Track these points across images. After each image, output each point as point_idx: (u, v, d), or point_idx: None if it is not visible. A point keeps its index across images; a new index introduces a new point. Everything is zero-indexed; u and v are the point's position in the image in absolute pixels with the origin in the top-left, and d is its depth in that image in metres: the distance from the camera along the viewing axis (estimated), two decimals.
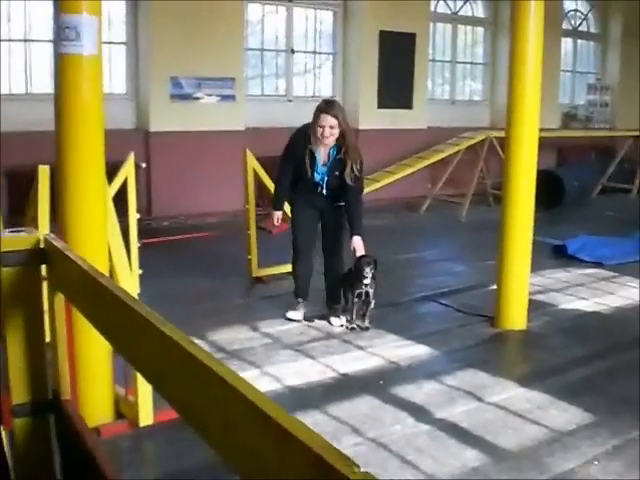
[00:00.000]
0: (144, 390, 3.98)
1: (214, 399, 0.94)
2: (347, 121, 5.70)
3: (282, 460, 0.80)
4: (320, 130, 5.54)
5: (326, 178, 5.76)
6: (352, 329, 5.91)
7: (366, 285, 5.80)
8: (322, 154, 5.72)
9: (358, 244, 5.74)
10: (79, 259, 1.60)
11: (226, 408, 0.92)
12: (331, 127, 5.53)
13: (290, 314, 6.10)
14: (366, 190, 10.82)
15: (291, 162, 5.80)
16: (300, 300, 6.14)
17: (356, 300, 5.88)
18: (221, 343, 5.56)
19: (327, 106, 5.59)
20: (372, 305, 5.93)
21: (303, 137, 5.70)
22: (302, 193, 5.91)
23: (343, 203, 5.81)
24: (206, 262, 8.03)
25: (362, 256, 5.74)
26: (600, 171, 13.93)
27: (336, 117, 5.52)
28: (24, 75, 9.96)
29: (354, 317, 5.93)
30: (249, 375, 4.91)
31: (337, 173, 5.70)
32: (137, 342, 1.26)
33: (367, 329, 5.92)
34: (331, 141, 5.64)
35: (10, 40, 9.78)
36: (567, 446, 4.04)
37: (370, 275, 5.75)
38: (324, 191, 5.80)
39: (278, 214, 6.06)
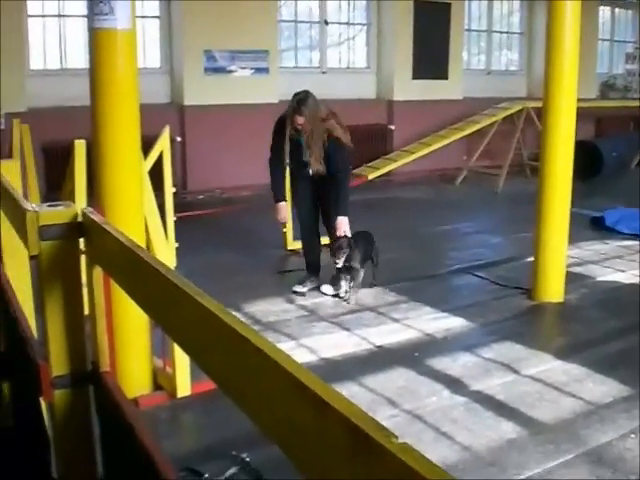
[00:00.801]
0: (181, 362, 4.03)
1: (251, 370, 0.95)
2: (317, 112, 5.81)
3: (319, 430, 0.80)
4: (293, 125, 5.85)
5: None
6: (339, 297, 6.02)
7: (339, 265, 5.85)
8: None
9: (339, 225, 5.86)
10: (117, 232, 1.60)
11: (263, 379, 0.92)
12: (300, 124, 5.79)
13: (296, 287, 6.17)
14: (401, 162, 10.90)
15: (278, 151, 6.01)
16: (309, 276, 6.26)
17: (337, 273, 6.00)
18: (257, 315, 5.59)
19: (296, 106, 5.79)
20: (358, 280, 5.97)
21: (282, 126, 5.95)
22: (296, 170, 6.15)
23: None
24: (241, 235, 8.07)
25: (338, 237, 5.81)
26: (638, 142, 13.69)
27: (303, 115, 5.75)
28: (59, 50, 10.03)
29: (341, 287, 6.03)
30: (285, 347, 4.93)
31: None
32: (174, 314, 1.27)
33: (346, 301, 5.97)
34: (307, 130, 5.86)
35: (44, 16, 9.84)
36: (604, 419, 4.01)
37: (342, 259, 5.78)
38: (310, 171, 5.98)
39: (282, 206, 6.17)
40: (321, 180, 5.97)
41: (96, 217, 1.75)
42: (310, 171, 5.96)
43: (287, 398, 0.86)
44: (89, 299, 1.96)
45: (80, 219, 1.82)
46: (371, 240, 6.15)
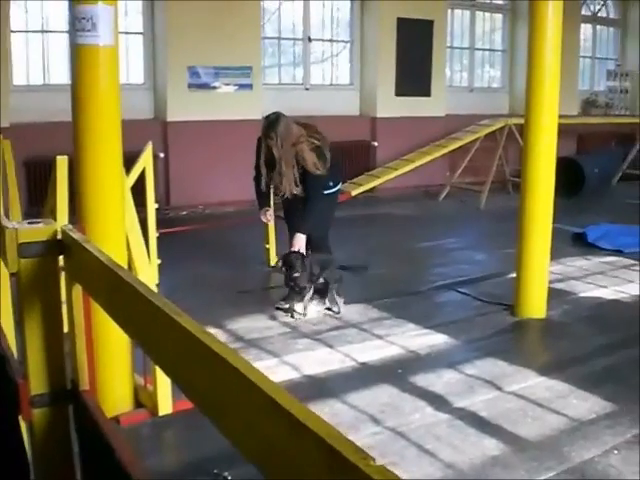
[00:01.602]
0: (163, 379, 4.00)
1: (228, 390, 0.94)
2: (287, 136, 5.75)
3: (296, 451, 0.80)
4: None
5: None
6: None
7: (289, 279, 5.85)
8: None
9: (295, 241, 5.86)
10: (96, 250, 1.60)
11: (240, 398, 0.92)
12: (270, 147, 5.78)
13: (280, 303, 6.15)
14: (384, 178, 10.92)
15: (260, 168, 5.97)
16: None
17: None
18: (239, 332, 5.57)
19: (264, 131, 5.81)
20: (305, 296, 5.95)
21: (261, 146, 5.94)
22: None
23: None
24: (224, 251, 8.05)
25: (291, 252, 5.82)
26: (621, 158, 13.79)
27: (272, 140, 5.73)
28: (41, 66, 10.01)
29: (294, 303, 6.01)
30: (267, 364, 4.92)
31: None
32: (153, 333, 1.26)
33: (302, 315, 5.97)
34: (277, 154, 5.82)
35: (27, 31, 9.82)
36: (587, 435, 4.01)
37: (293, 273, 5.77)
38: (284, 194, 5.99)
39: (266, 209, 6.21)
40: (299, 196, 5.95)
41: (76, 235, 1.74)
42: (288, 193, 5.93)
43: (263, 418, 0.86)
44: (69, 317, 1.95)
45: (60, 237, 1.81)
46: (328, 263, 6.08)
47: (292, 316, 5.92)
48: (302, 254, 5.79)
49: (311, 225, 5.92)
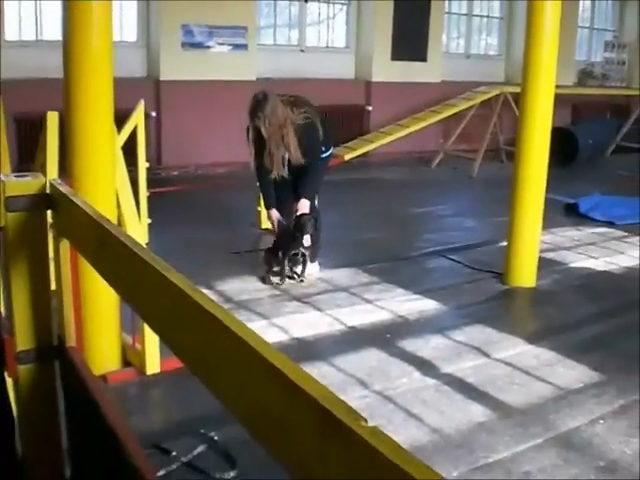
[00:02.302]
0: (151, 338, 3.99)
1: (220, 349, 0.92)
2: (270, 116, 5.56)
3: (288, 412, 0.78)
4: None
5: None
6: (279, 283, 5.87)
7: (304, 247, 5.81)
8: None
9: (300, 206, 5.78)
10: (85, 205, 1.57)
11: (232, 359, 0.89)
12: (258, 127, 5.60)
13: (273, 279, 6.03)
14: (377, 143, 10.86)
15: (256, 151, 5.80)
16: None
17: (287, 262, 5.88)
18: (229, 293, 5.56)
19: (252, 110, 5.61)
20: (308, 264, 5.93)
21: (249, 129, 5.77)
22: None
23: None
24: (215, 213, 8.01)
25: (302, 214, 5.75)
26: (615, 130, 13.76)
27: (258, 119, 5.55)
28: (34, 21, 9.86)
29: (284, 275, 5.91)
30: (257, 326, 4.91)
31: None
32: (142, 290, 1.23)
33: (302, 281, 5.93)
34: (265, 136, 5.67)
35: None
36: (573, 404, 4.03)
37: (309, 235, 5.76)
38: (276, 173, 5.85)
39: (273, 213, 5.98)
40: (299, 166, 5.85)
41: (64, 189, 1.71)
42: (277, 174, 5.81)
43: (256, 379, 0.84)
44: (56, 273, 1.92)
45: (48, 190, 1.78)
46: (320, 224, 6.05)
47: (290, 278, 5.90)
48: (314, 217, 5.78)
49: (314, 189, 5.89)
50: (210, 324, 0.93)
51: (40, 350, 1.90)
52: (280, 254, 5.85)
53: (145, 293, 1.23)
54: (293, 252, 5.83)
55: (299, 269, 5.94)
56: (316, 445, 0.75)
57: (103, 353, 4.10)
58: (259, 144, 5.72)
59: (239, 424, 0.92)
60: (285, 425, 0.79)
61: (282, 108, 5.61)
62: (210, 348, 0.95)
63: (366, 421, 0.72)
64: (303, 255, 5.86)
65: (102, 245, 1.44)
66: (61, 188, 1.72)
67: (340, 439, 0.71)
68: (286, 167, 5.78)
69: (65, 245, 1.83)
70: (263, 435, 0.84)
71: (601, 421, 3.85)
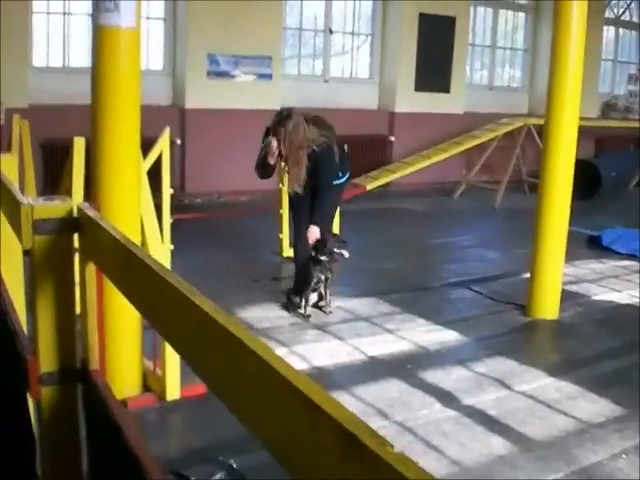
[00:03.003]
0: (172, 364, 3.99)
1: (245, 373, 0.92)
2: (295, 137, 5.58)
3: (313, 436, 0.78)
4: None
5: None
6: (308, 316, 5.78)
7: (326, 275, 5.80)
8: None
9: (309, 233, 5.75)
10: (112, 228, 1.58)
11: (256, 382, 0.90)
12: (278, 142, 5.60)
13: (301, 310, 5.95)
14: (400, 173, 10.87)
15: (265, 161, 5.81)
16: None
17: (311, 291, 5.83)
18: (250, 321, 5.56)
19: (274, 125, 5.65)
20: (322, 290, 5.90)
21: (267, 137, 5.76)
22: None
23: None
24: (238, 240, 8.04)
25: (318, 240, 5.72)
26: (638, 162, 13.69)
27: (279, 134, 5.57)
28: (62, 48, 10.00)
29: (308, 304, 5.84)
30: (277, 354, 4.90)
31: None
32: (167, 313, 1.24)
33: (330, 312, 5.88)
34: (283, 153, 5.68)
35: (49, 13, 9.83)
36: (595, 438, 3.99)
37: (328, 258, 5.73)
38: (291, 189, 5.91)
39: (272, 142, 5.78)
40: (316, 188, 5.87)
41: (91, 212, 1.72)
42: (291, 190, 5.87)
43: (280, 402, 0.84)
44: (81, 296, 1.93)
45: (75, 214, 1.80)
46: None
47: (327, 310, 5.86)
48: (325, 241, 5.76)
49: (324, 215, 5.87)
50: (234, 347, 0.94)
51: (63, 372, 1.90)
52: (304, 284, 5.82)
53: (169, 315, 1.23)
54: (316, 281, 5.81)
55: (325, 300, 5.91)
56: (340, 469, 0.75)
57: (124, 378, 4.10)
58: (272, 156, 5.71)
59: (256, 452, 0.92)
60: (309, 448, 0.79)
61: (304, 129, 5.62)
62: (233, 370, 0.96)
63: (392, 447, 0.72)
64: (325, 282, 5.83)
65: (127, 267, 1.45)
66: (88, 212, 1.73)
67: (364, 464, 0.71)
68: (302, 186, 5.79)
69: (91, 269, 1.85)
70: (286, 458, 0.84)
71: (623, 456, 3.80)
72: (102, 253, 1.67)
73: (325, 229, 5.87)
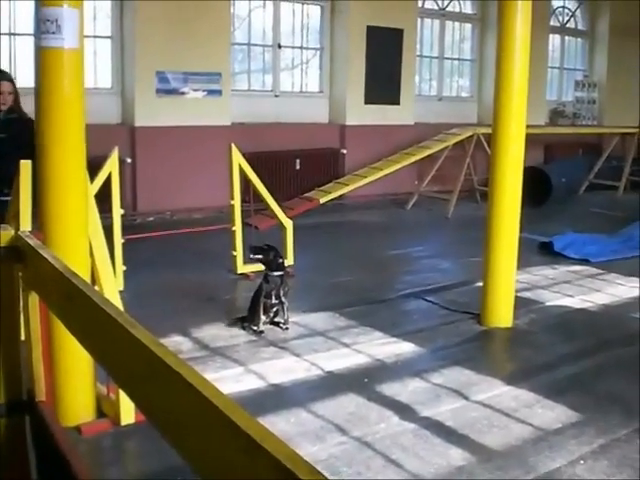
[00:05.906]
0: None
1: (182, 405, 0.90)
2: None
3: (251, 470, 0.77)
4: None
5: None
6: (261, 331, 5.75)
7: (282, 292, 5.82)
8: None
9: None
10: (52, 257, 1.55)
11: (196, 417, 0.88)
12: (9, 93, 5.27)
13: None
14: (352, 186, 10.91)
15: None
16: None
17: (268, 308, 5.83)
18: (205, 340, 5.51)
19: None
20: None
21: None
22: None
23: None
24: (191, 258, 7.98)
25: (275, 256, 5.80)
26: (587, 168, 13.93)
27: (11, 81, 5.30)
28: (8, 69, 9.86)
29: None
30: (233, 373, 4.88)
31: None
32: (108, 344, 1.22)
33: (287, 328, 5.86)
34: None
35: None
36: (553, 445, 4.01)
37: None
38: None
39: None
40: None
41: (32, 241, 1.69)
42: None
43: (220, 437, 0.82)
44: (25, 327, 1.90)
45: (17, 243, 1.77)
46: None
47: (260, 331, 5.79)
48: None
49: None
50: (173, 380, 0.92)
51: (10, 405, 1.87)
52: (259, 302, 5.78)
53: (110, 347, 1.21)
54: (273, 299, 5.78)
55: (281, 316, 5.88)
56: None
57: (77, 404, 4.04)
58: None
59: None
60: None
61: None
62: (173, 404, 0.94)
63: None
64: (279, 298, 5.80)
65: (69, 299, 1.42)
66: (29, 240, 1.70)
67: None
68: None
69: (34, 298, 1.81)
70: None
71: (581, 462, 3.83)
72: (44, 283, 1.64)
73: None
